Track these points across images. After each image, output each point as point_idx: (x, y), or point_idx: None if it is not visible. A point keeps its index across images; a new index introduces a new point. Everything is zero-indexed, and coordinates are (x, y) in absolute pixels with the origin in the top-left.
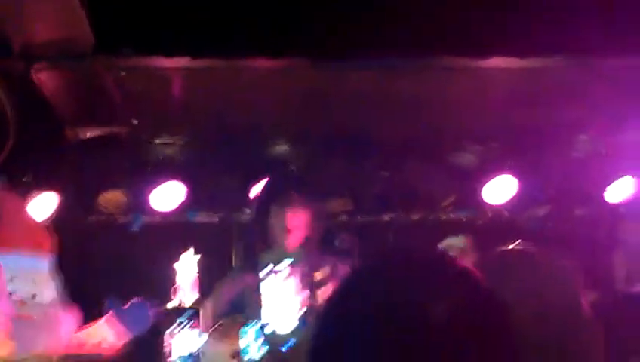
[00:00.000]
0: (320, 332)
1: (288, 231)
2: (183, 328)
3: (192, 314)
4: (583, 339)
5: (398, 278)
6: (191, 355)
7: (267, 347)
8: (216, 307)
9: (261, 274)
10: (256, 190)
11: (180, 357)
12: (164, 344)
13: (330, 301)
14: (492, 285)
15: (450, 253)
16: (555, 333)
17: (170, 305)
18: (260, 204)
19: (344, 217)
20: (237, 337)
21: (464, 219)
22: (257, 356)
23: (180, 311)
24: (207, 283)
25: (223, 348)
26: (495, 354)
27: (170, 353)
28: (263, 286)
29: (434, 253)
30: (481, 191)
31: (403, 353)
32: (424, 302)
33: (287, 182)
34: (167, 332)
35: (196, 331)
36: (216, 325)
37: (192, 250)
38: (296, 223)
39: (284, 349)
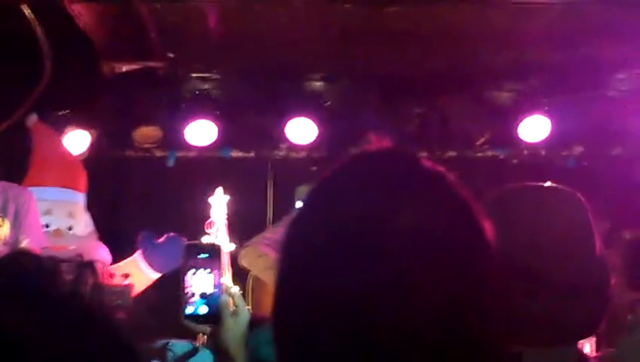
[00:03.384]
0: (290, 239)
1: None
2: (202, 266)
3: (213, 250)
4: (591, 274)
5: (363, 184)
6: (211, 295)
7: None
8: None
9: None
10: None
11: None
12: (185, 283)
13: (300, 212)
14: (491, 217)
15: None
16: (557, 263)
17: (205, 240)
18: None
19: None
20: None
21: (501, 157)
22: None
23: (199, 247)
24: (241, 219)
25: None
26: (460, 271)
27: (192, 294)
28: None
29: (407, 156)
30: (517, 129)
31: (361, 261)
32: (387, 209)
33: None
34: (190, 271)
35: (215, 271)
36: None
37: (222, 188)
38: None
39: None
